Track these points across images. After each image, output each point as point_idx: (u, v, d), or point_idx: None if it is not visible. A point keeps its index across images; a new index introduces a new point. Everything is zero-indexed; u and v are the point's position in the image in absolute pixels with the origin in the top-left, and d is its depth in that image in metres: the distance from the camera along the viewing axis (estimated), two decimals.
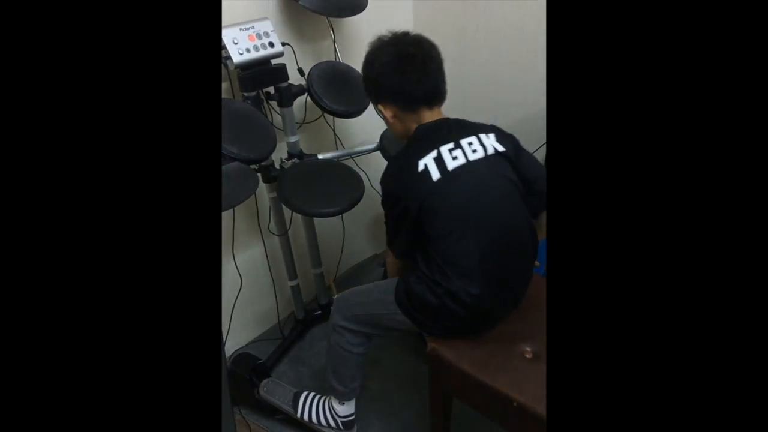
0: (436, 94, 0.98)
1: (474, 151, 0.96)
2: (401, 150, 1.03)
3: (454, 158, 0.94)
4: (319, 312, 1.61)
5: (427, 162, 0.93)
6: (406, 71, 0.95)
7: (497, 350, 0.96)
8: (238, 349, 1.54)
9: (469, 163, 0.95)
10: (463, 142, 0.96)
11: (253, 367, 1.36)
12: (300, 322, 1.59)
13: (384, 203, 1.00)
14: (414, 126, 0.99)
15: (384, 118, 1.02)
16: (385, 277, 1.68)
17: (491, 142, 0.98)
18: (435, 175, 0.93)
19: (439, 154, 0.94)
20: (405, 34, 1.00)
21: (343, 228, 1.70)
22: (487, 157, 0.97)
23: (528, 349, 0.95)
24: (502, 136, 1.02)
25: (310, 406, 1.24)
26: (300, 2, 1.19)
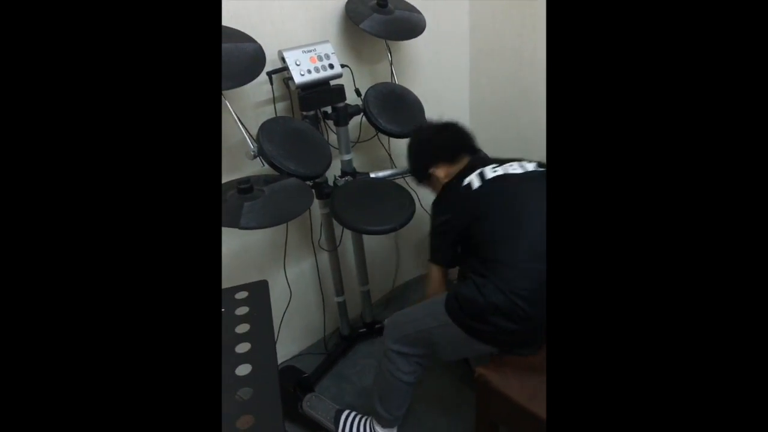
0: (473, 146, 1.23)
1: (513, 169, 1.08)
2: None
3: (494, 171, 1.08)
4: (364, 329, 1.62)
5: (471, 178, 1.08)
6: (449, 131, 1.22)
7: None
8: (284, 362, 1.56)
9: (506, 174, 1.06)
10: (506, 164, 1.10)
11: (298, 381, 1.38)
12: (345, 339, 1.60)
13: (433, 220, 1.12)
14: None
15: (435, 181, 1.20)
16: None
17: (532, 166, 1.09)
18: (476, 184, 1.06)
19: (482, 171, 1.08)
20: (440, 119, 1.28)
21: (386, 246, 1.70)
22: (526, 172, 1.07)
23: None
24: (544, 164, 1.13)
25: (351, 425, 1.24)
26: (361, 26, 1.23)
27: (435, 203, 1.15)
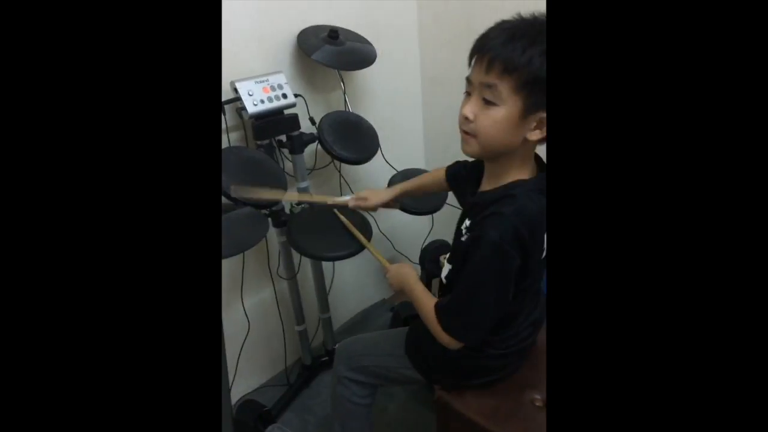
0: None
1: None
2: (521, 200, 0.76)
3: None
4: (326, 358, 1.60)
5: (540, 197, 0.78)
6: None
7: (506, 399, 0.95)
8: (244, 395, 1.52)
9: None
10: None
11: (258, 415, 1.34)
12: (307, 368, 1.58)
13: (491, 255, 0.75)
14: (527, 164, 0.80)
15: (516, 152, 0.77)
16: (393, 322, 1.68)
17: None
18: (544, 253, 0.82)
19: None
20: None
21: (333, 272, 1.70)
22: None
23: (538, 396, 0.93)
24: None
25: None
26: (312, 57, 1.25)
27: (505, 220, 0.73)
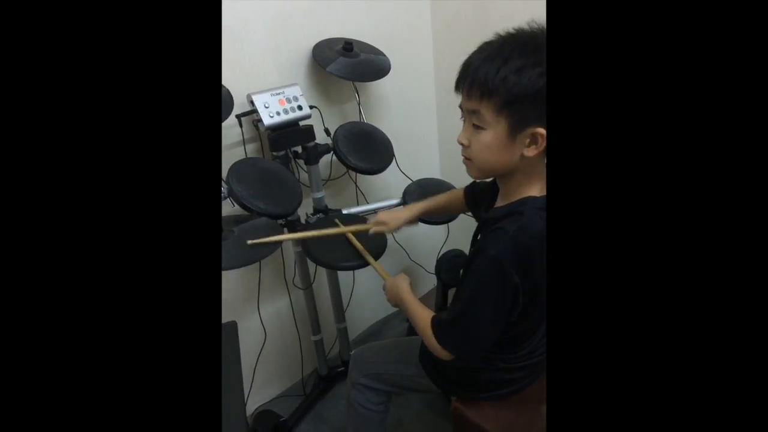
0: None
1: None
2: (528, 218, 0.73)
3: None
4: (342, 368, 1.60)
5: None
6: None
7: (523, 411, 0.93)
8: (260, 406, 1.52)
9: None
10: None
11: (274, 425, 1.34)
12: (323, 379, 1.57)
13: (490, 276, 0.74)
14: (536, 181, 0.77)
15: (512, 169, 0.76)
16: (409, 333, 1.67)
17: None
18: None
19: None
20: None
21: (353, 282, 1.70)
22: None
23: None
24: None
25: None
26: (328, 69, 1.27)
27: (506, 238, 0.71)
